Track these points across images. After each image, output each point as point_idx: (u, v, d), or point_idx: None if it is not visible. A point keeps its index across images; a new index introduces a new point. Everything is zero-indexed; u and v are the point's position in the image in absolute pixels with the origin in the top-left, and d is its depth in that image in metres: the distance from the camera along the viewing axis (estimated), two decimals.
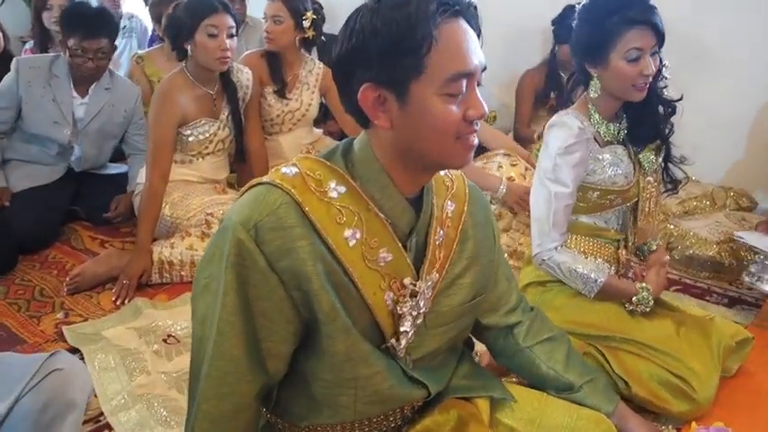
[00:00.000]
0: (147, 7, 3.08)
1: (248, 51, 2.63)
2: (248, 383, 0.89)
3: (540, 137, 1.56)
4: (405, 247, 0.92)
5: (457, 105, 0.84)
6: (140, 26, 3.60)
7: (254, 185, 0.89)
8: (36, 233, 2.26)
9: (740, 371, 1.59)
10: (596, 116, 1.48)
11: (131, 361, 1.65)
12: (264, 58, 2.48)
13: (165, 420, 1.44)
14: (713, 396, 1.42)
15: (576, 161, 1.44)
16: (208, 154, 2.30)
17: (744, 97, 2.56)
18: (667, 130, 1.51)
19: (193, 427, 0.90)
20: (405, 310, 0.91)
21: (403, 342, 0.93)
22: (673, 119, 1.50)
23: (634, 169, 1.52)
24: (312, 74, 2.55)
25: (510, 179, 2.16)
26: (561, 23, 2.55)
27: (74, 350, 1.69)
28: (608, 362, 1.44)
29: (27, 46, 3.26)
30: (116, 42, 2.36)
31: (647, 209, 1.54)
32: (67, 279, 2.01)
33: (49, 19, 2.86)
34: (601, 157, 1.48)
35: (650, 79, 1.39)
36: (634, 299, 1.47)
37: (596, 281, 1.45)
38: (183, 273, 2.07)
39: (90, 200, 2.47)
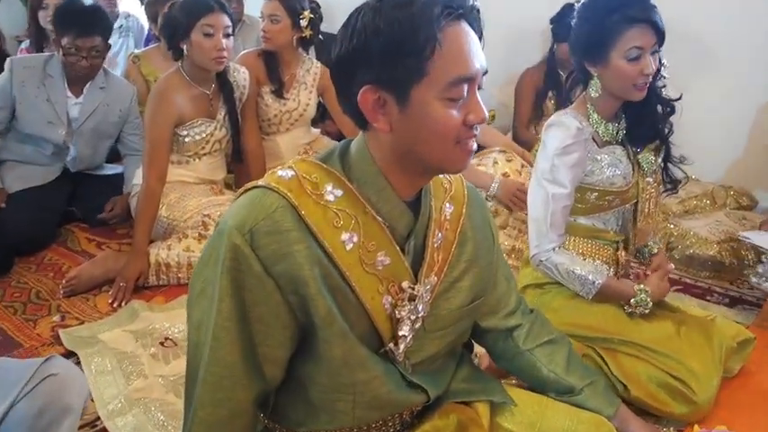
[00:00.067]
0: (143, 6, 3.06)
1: (245, 51, 2.62)
2: (244, 389, 0.88)
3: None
4: (403, 250, 0.91)
5: (457, 110, 0.83)
6: (137, 25, 3.58)
7: (250, 189, 0.88)
8: (31, 234, 2.24)
9: (742, 371, 1.58)
10: (595, 116, 1.47)
11: (128, 364, 1.64)
12: (261, 57, 2.46)
13: (163, 425, 1.43)
14: (713, 398, 1.41)
15: (574, 162, 1.43)
16: (204, 154, 2.28)
17: (744, 97, 2.55)
18: (666, 130, 1.50)
19: None
20: (403, 314, 0.90)
21: (401, 346, 0.92)
22: (672, 118, 1.49)
23: (633, 170, 1.51)
24: (310, 73, 2.54)
25: (505, 175, 2.15)
26: (560, 22, 2.54)
27: (70, 354, 1.68)
28: (606, 364, 1.43)
29: (23, 45, 3.24)
30: (113, 41, 2.35)
31: (646, 210, 1.53)
32: (64, 281, 2.00)
33: (45, 18, 2.85)
34: (599, 157, 1.47)
35: (650, 78, 1.38)
36: (632, 300, 1.46)
37: (594, 282, 1.44)
38: (180, 274, 2.05)
39: (86, 201, 2.46)
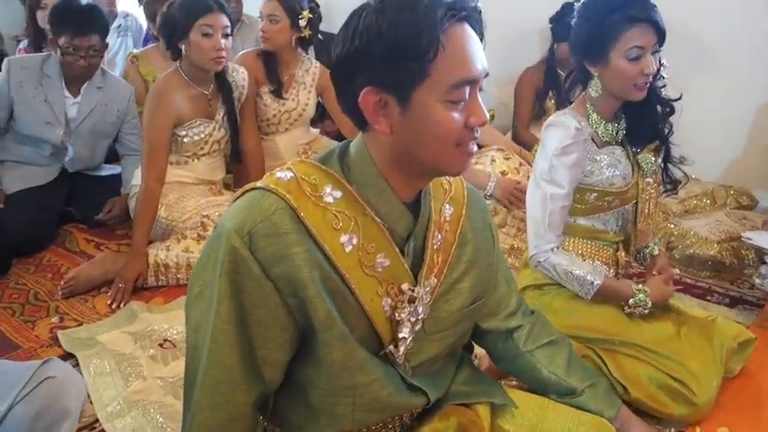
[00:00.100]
0: (142, 6, 3.05)
1: (244, 51, 2.61)
2: (243, 392, 0.87)
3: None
4: (402, 252, 0.91)
5: (459, 112, 0.82)
6: (136, 25, 3.57)
7: (249, 190, 0.87)
8: (30, 235, 2.23)
9: (742, 371, 1.58)
10: (594, 116, 1.46)
11: (127, 366, 1.64)
12: (260, 57, 2.45)
13: (162, 427, 1.43)
14: (713, 399, 1.41)
15: (573, 162, 1.42)
16: (203, 155, 2.27)
17: (743, 97, 2.55)
18: (666, 130, 1.49)
19: None
20: (403, 316, 0.90)
21: (401, 349, 0.92)
22: (672, 118, 1.48)
23: (633, 170, 1.51)
24: (309, 73, 2.53)
25: (503, 173, 2.14)
26: (559, 21, 2.54)
27: (68, 355, 1.67)
28: (606, 365, 1.42)
29: (21, 45, 3.24)
30: (111, 41, 2.34)
31: (646, 210, 1.53)
32: (62, 282, 1.99)
33: (44, 18, 2.83)
34: (598, 158, 1.47)
35: (651, 78, 1.38)
36: (631, 301, 1.45)
37: (593, 283, 1.43)
38: (179, 275, 2.05)
39: (84, 201, 2.45)
